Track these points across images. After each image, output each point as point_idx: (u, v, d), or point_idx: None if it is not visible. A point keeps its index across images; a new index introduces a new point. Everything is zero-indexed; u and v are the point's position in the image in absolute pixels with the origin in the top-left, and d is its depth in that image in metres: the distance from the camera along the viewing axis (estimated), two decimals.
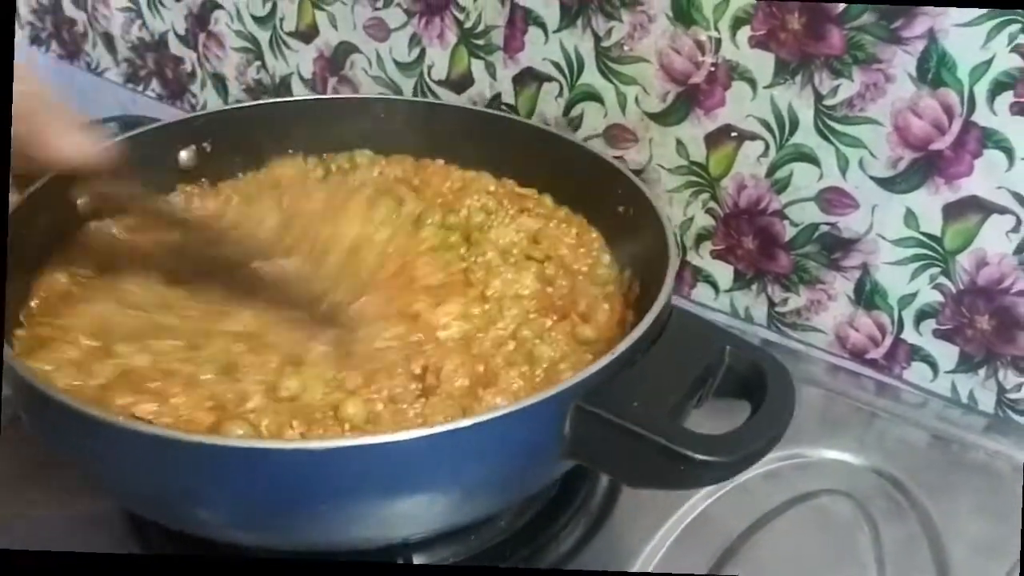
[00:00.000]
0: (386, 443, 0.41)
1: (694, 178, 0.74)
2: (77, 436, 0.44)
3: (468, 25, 0.80)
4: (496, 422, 0.42)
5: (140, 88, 1.11)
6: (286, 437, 0.46)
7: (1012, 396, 0.68)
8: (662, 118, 0.74)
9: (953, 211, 0.65)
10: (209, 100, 1.05)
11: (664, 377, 0.47)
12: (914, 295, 0.69)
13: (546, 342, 0.56)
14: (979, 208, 0.64)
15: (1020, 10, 0.57)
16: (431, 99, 0.85)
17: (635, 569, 0.57)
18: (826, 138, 0.67)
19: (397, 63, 0.87)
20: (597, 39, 0.74)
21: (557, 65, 0.77)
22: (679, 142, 0.74)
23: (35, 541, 0.56)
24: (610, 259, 0.65)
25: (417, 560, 0.53)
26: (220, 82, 1.02)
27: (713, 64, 0.69)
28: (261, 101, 0.85)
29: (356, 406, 0.49)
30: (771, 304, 0.76)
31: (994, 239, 0.64)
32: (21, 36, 1.19)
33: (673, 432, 0.44)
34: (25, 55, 1.18)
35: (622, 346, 0.47)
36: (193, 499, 0.44)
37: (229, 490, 0.42)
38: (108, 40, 1.10)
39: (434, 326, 0.56)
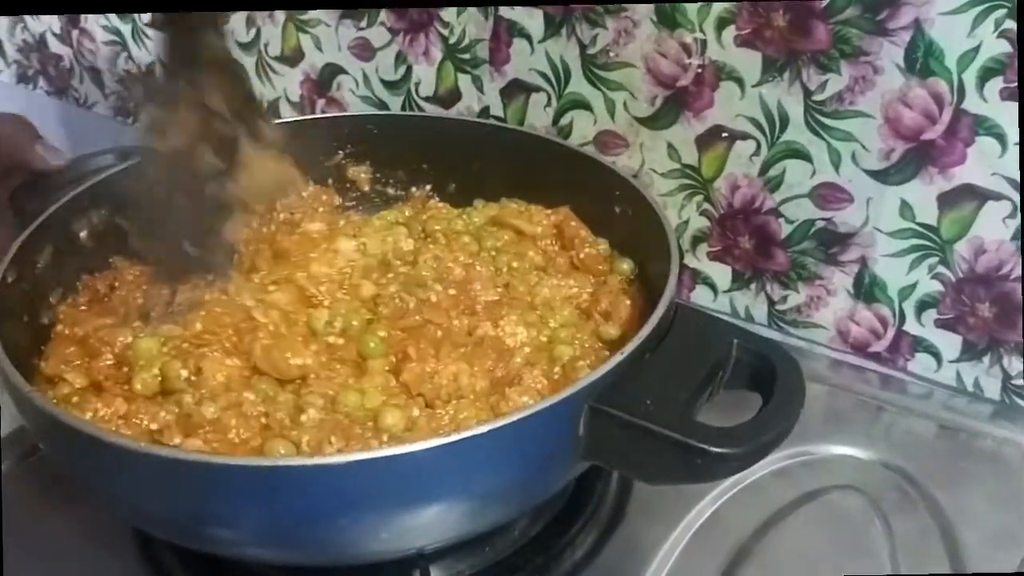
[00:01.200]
0: (402, 454, 0.41)
1: (687, 181, 0.74)
2: (95, 462, 0.44)
3: (452, 40, 0.80)
4: (511, 427, 0.43)
5: (131, 120, 1.11)
6: (325, 453, 0.47)
7: (1017, 382, 0.68)
8: (652, 122, 0.74)
9: (948, 200, 0.65)
10: None
11: (674, 374, 0.48)
12: (914, 286, 0.69)
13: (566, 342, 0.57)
14: (974, 196, 0.64)
15: None
16: (416, 112, 0.85)
17: (650, 572, 0.56)
18: (817, 133, 0.67)
19: (384, 82, 0.87)
20: (583, 47, 0.74)
21: (544, 75, 0.77)
22: (670, 145, 0.74)
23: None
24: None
25: (434, 572, 0.53)
26: None
27: (700, 66, 0.69)
28: None
29: (395, 416, 0.49)
30: (771, 303, 0.75)
31: (991, 226, 0.64)
32: (8, 74, 1.19)
33: (687, 427, 0.45)
34: (12, 93, 1.18)
35: (631, 346, 0.47)
36: (208, 518, 0.44)
37: (246, 508, 0.42)
38: (95, 74, 1.10)
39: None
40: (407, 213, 0.71)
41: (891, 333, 0.72)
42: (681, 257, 0.73)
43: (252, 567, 0.56)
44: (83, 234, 0.63)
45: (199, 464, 0.41)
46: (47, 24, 1.11)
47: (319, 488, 0.42)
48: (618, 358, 0.46)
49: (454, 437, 0.42)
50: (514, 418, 0.43)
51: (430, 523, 0.46)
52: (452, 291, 0.59)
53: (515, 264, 0.64)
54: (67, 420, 0.44)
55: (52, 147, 0.68)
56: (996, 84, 0.60)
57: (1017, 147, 0.61)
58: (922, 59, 0.62)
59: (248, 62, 0.95)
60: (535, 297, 0.61)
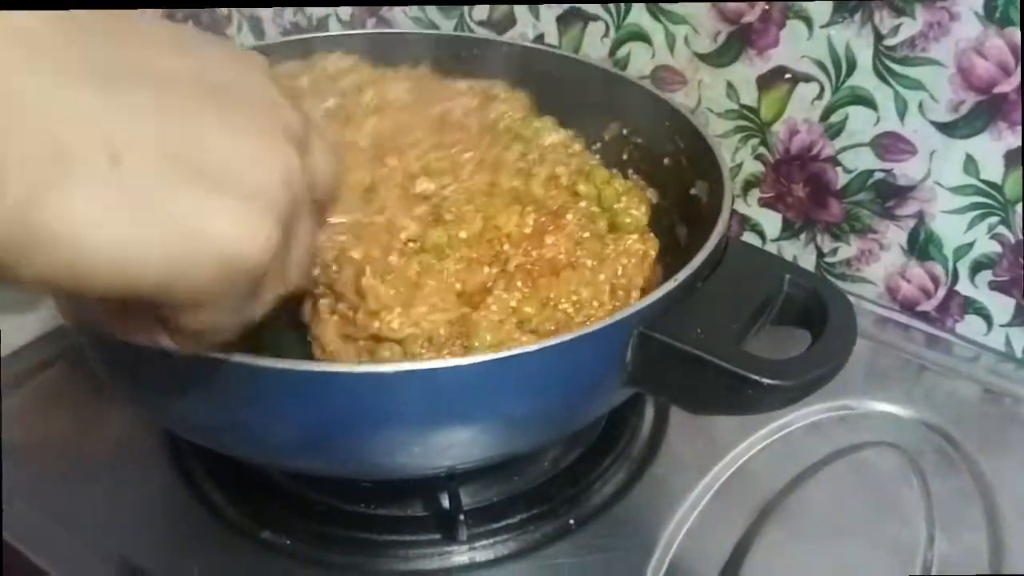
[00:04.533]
0: (447, 367, 0.41)
1: (744, 122, 0.72)
2: (132, 362, 0.44)
3: None
4: (560, 348, 0.42)
5: None
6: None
7: None
8: (713, 59, 0.71)
9: (1015, 158, 0.63)
10: (246, 43, 1.03)
11: (725, 305, 0.47)
12: (971, 245, 0.67)
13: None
14: None
15: None
16: (466, 33, 0.83)
17: (676, 517, 0.56)
18: (885, 80, 0.65)
19: (437, 3, 0.85)
20: None
21: (604, 4, 0.75)
22: (729, 84, 0.72)
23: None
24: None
25: (463, 497, 0.53)
26: (256, 24, 1.01)
27: (768, 2, 0.67)
28: (295, 37, 0.83)
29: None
30: (820, 254, 0.74)
31: None
32: None
33: (738, 357, 0.44)
34: None
35: (683, 273, 0.47)
36: (245, 422, 0.44)
37: (284, 412, 0.42)
38: None
39: None
40: None
41: (942, 292, 0.70)
42: (733, 197, 0.72)
43: (278, 478, 0.56)
44: None
45: (239, 366, 0.40)
46: None
47: (358, 397, 0.41)
48: (670, 285, 0.46)
49: (502, 354, 0.41)
50: (563, 339, 0.42)
51: (466, 441, 0.45)
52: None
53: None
54: None
55: None
56: None
57: None
58: (1002, 7, 0.59)
59: None
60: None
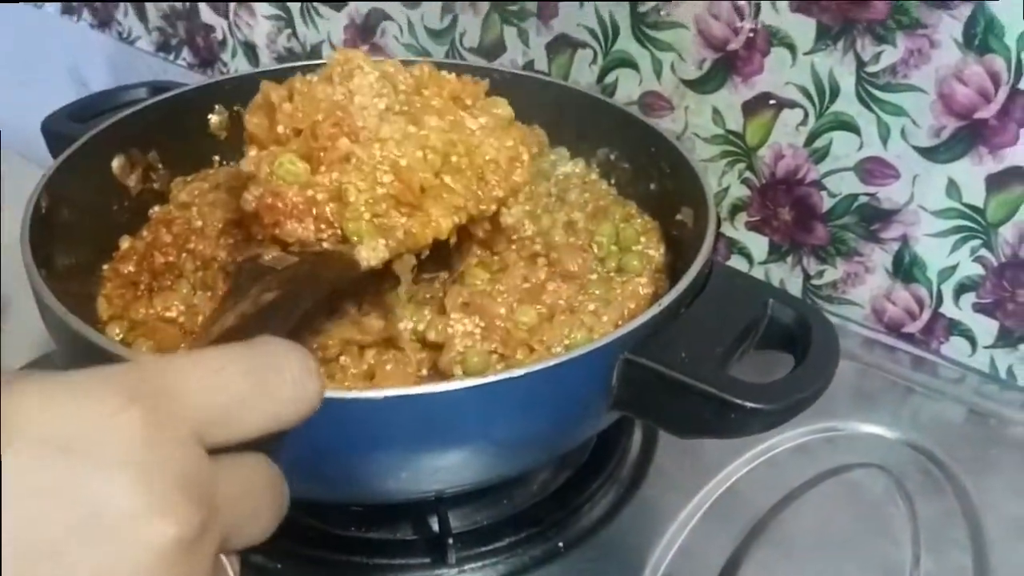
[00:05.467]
0: (440, 392, 0.41)
1: (730, 147, 0.73)
2: None
3: None
4: (546, 373, 0.43)
5: (171, 57, 1.11)
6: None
7: None
8: (699, 85, 0.73)
9: (997, 182, 0.63)
10: (240, 69, 1.04)
11: (709, 329, 0.48)
12: (954, 268, 0.68)
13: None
14: None
15: None
16: (457, 60, 0.84)
17: (665, 539, 0.56)
18: (867, 106, 0.66)
19: (428, 30, 0.86)
20: (633, 4, 0.72)
21: (592, 31, 0.76)
22: (715, 110, 0.73)
23: None
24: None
25: (452, 521, 0.53)
26: (251, 50, 1.02)
27: (752, 30, 0.68)
28: (289, 64, 0.84)
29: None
30: (806, 277, 0.74)
31: None
32: (53, 6, 1.19)
33: (722, 381, 0.44)
34: (55, 24, 1.18)
35: (667, 298, 0.47)
36: None
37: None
38: (139, 8, 1.10)
39: None
40: None
41: (927, 315, 0.70)
42: (719, 222, 0.73)
43: None
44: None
45: None
46: None
47: (349, 422, 0.42)
48: (654, 311, 0.46)
49: (488, 379, 0.42)
50: (548, 364, 0.43)
51: (454, 466, 0.46)
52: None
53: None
54: (82, 331, 0.44)
55: None
56: None
57: None
58: (981, 35, 0.60)
59: (294, 6, 0.94)
60: None
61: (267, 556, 0.53)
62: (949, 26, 0.61)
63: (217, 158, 0.69)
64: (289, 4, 0.94)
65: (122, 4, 1.11)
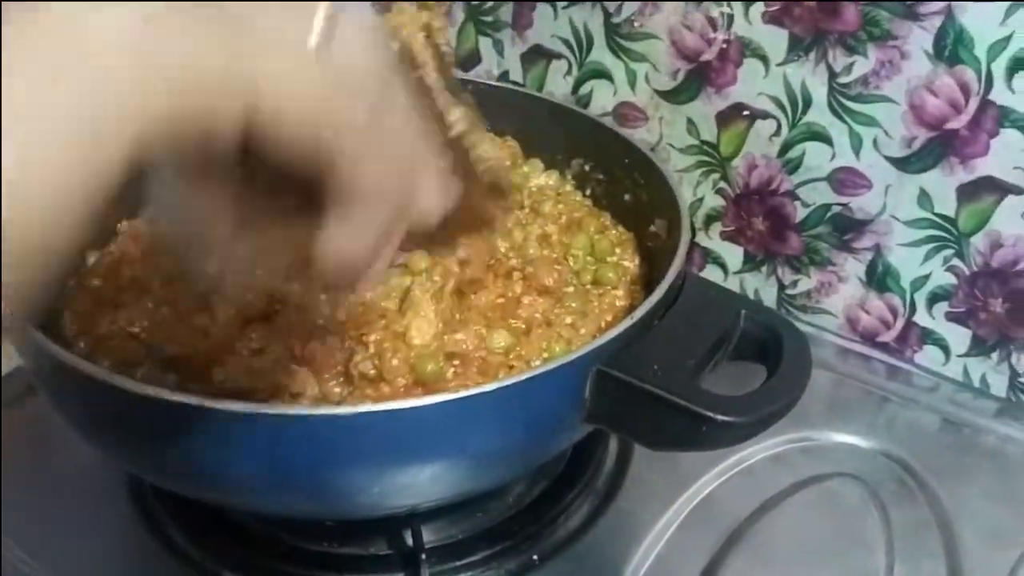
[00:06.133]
0: (411, 407, 0.41)
1: (705, 158, 0.73)
2: (95, 403, 0.44)
3: (476, 2, 0.79)
4: (519, 386, 0.43)
5: None
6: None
7: None
8: (673, 96, 0.73)
9: (968, 192, 0.64)
10: None
11: (682, 341, 0.48)
12: (927, 277, 0.68)
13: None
14: (994, 189, 0.63)
15: None
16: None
17: (641, 549, 0.56)
18: (839, 116, 0.66)
19: None
20: (607, 15, 0.73)
21: (566, 42, 0.76)
22: (690, 121, 0.73)
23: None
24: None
25: (425, 535, 0.53)
26: None
27: (725, 41, 0.68)
28: None
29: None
30: (781, 286, 0.75)
31: (1009, 220, 0.63)
32: None
33: (694, 394, 0.45)
34: None
35: (640, 311, 0.47)
36: (203, 463, 0.44)
37: (243, 454, 0.42)
38: None
39: None
40: None
41: (900, 324, 0.71)
42: (693, 232, 0.73)
43: (240, 519, 0.56)
44: None
45: (197, 408, 0.40)
46: None
47: (319, 439, 0.41)
48: (627, 323, 0.46)
49: (460, 394, 0.41)
50: (521, 378, 0.43)
51: (427, 480, 0.45)
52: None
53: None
54: (67, 359, 0.43)
55: None
56: None
57: None
58: (951, 46, 0.61)
59: None
60: None
61: (238, 571, 0.53)
62: (920, 37, 0.61)
63: None
64: None
65: None
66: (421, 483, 0.45)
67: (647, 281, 0.59)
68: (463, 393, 0.42)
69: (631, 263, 0.60)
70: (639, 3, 0.71)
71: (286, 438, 0.41)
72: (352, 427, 0.41)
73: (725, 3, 0.67)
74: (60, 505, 0.58)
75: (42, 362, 0.44)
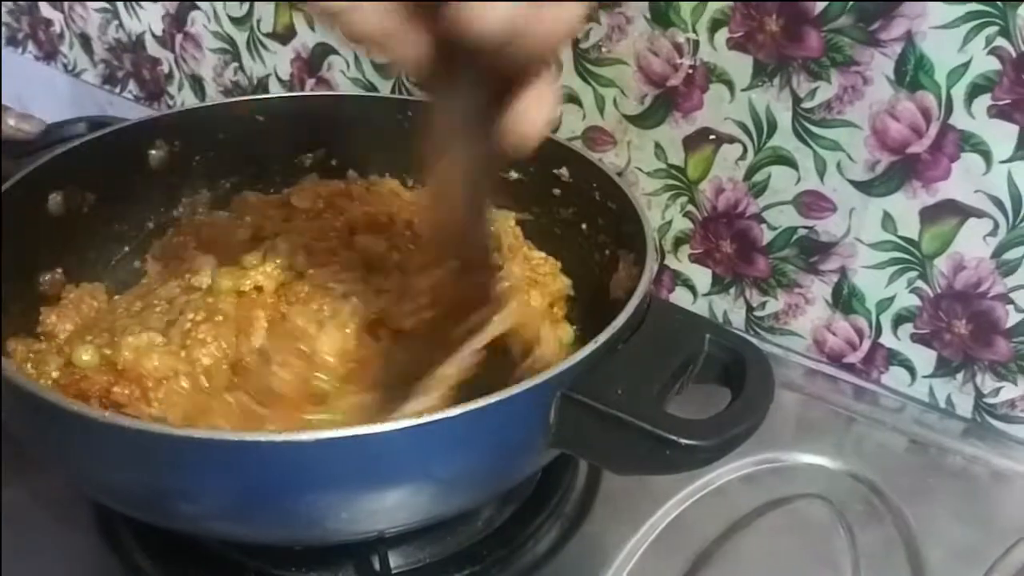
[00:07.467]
0: (368, 434, 0.41)
1: (672, 181, 0.74)
2: (58, 432, 0.44)
3: None
4: (482, 412, 0.42)
5: (117, 90, 1.10)
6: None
7: (990, 401, 0.68)
8: (640, 120, 0.73)
9: (931, 215, 0.65)
10: (187, 101, 1.04)
11: (646, 365, 0.48)
12: (892, 299, 0.69)
13: None
14: (956, 212, 0.64)
15: (998, 8, 0.57)
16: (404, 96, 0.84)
17: (611, 571, 0.56)
18: (804, 141, 0.67)
19: (375, 64, 0.86)
20: (575, 41, 0.73)
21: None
22: (657, 145, 0.73)
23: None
24: None
25: (393, 560, 0.53)
26: (197, 83, 1.02)
27: (691, 66, 0.69)
28: (237, 99, 0.84)
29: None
30: (749, 308, 0.75)
31: (971, 243, 0.64)
32: None
33: (658, 418, 0.44)
34: (2, 56, 1.17)
35: (604, 335, 0.47)
36: (166, 490, 0.44)
37: (206, 481, 0.42)
38: (85, 41, 1.09)
39: None
40: None
41: (867, 345, 0.72)
42: (662, 255, 0.74)
43: (208, 544, 0.55)
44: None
45: (160, 436, 0.40)
46: None
47: (283, 465, 0.41)
48: (591, 347, 0.46)
49: (424, 419, 0.41)
50: (484, 403, 0.43)
51: (393, 506, 0.45)
52: None
53: None
54: (28, 387, 0.43)
55: (27, 115, 0.66)
56: (984, 101, 0.60)
57: (1001, 165, 0.61)
58: (912, 72, 0.62)
59: (240, 37, 0.94)
60: None
61: None
62: (881, 63, 0.62)
63: None
64: (235, 37, 0.94)
65: (68, 36, 1.10)
66: (386, 509, 0.45)
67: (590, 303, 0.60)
68: (427, 419, 0.42)
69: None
70: (606, 28, 0.71)
71: (250, 464, 0.41)
72: (316, 453, 0.41)
73: (691, 29, 0.68)
74: (24, 530, 0.57)
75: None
